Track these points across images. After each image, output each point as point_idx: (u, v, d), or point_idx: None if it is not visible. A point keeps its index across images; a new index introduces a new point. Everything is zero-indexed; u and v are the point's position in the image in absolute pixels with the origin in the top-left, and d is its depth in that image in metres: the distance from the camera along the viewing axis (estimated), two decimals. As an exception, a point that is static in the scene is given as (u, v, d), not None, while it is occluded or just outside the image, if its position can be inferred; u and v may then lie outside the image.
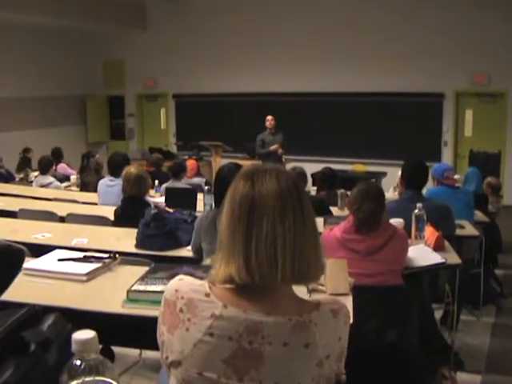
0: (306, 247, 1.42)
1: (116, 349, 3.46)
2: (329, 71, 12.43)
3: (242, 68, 13.34)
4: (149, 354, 4.18)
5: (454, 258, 3.87)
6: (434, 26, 11.44)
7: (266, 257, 1.37)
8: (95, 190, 6.56)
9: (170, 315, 1.46)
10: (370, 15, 11.97)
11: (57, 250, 3.44)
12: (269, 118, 10.55)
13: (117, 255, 3.30)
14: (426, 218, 4.09)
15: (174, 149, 14.00)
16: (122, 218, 4.94)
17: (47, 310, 1.66)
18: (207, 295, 1.43)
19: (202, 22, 13.69)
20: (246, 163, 10.80)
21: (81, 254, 3.30)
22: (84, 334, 1.27)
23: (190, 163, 8.25)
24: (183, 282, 1.50)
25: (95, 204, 6.39)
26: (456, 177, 6.62)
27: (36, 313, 1.56)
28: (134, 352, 4.26)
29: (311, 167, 8.40)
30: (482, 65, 11.18)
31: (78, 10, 12.15)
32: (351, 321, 2.39)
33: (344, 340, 1.51)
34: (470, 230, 4.96)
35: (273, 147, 10.29)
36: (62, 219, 5.50)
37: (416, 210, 4.06)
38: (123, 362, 4.20)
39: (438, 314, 4.63)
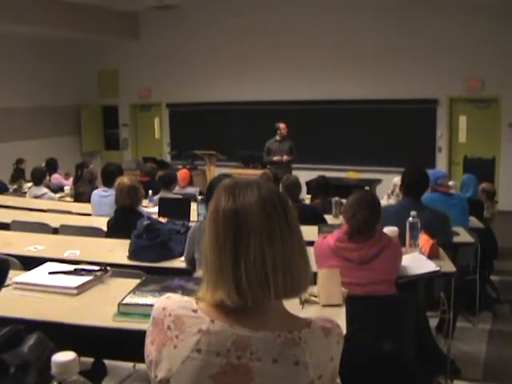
0: (296, 260, 1.39)
1: (110, 362, 3.43)
2: (322, 79, 12.43)
3: (236, 77, 13.35)
4: (142, 366, 4.13)
5: (448, 266, 3.85)
6: (426, 32, 11.46)
7: (256, 278, 1.33)
8: (89, 201, 6.53)
9: (158, 333, 1.43)
10: (363, 22, 11.99)
11: (48, 263, 3.41)
12: (281, 126, 10.51)
13: (108, 268, 3.27)
14: (420, 225, 4.08)
15: (168, 158, 13.99)
16: (115, 229, 4.92)
17: (32, 327, 1.63)
18: (194, 311, 1.41)
19: (196, 30, 13.70)
20: (241, 172, 10.89)
21: (71, 267, 3.27)
22: (63, 356, 1.24)
23: (183, 173, 8.19)
24: (170, 300, 1.47)
25: (89, 215, 6.36)
26: (450, 183, 6.61)
27: (18, 332, 1.53)
28: (127, 365, 4.22)
29: (306, 175, 8.39)
30: (475, 70, 11.19)
31: (71, 21, 12.17)
32: (344, 332, 2.39)
33: (336, 360, 1.46)
34: (465, 236, 4.95)
35: (276, 157, 10.29)
36: (55, 231, 5.48)
37: (410, 218, 4.05)
38: (117, 375, 4.17)
39: (433, 322, 4.62)
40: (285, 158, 10.27)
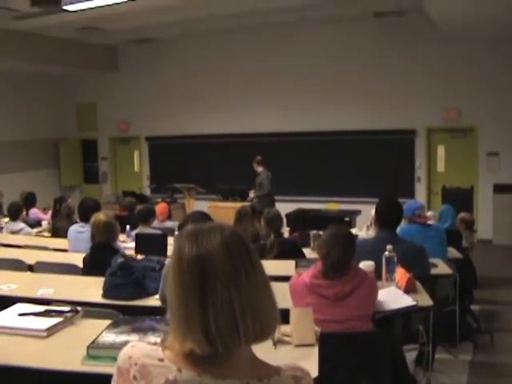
0: (263, 302, 1.37)
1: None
2: (300, 111, 12.52)
3: (214, 109, 13.39)
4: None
5: (425, 300, 3.82)
6: (402, 63, 11.62)
7: (225, 324, 1.30)
8: (66, 236, 6.46)
9: (124, 383, 1.39)
10: (342, 55, 12.14)
11: (18, 304, 3.35)
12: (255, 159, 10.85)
13: (78, 308, 3.22)
14: (397, 259, 4.06)
15: (147, 192, 13.94)
16: (91, 266, 4.86)
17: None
18: (161, 360, 1.37)
19: (174, 64, 13.80)
20: (221, 205, 10.89)
21: (42, 308, 3.21)
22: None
23: (161, 207, 8.13)
24: (136, 349, 1.43)
25: (66, 250, 6.29)
26: (429, 214, 6.62)
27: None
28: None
29: (285, 207, 8.36)
30: (452, 100, 11.34)
31: (49, 54, 12.23)
32: (317, 373, 2.36)
33: None
34: (443, 268, 4.94)
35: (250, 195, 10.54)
36: (30, 267, 5.40)
37: (386, 252, 4.03)
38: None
39: (412, 355, 4.58)
40: (251, 194, 10.46)
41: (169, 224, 7.71)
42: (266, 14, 11.00)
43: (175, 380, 1.33)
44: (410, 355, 4.38)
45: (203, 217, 4.13)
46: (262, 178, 10.65)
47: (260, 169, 10.83)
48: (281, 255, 5.36)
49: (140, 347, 1.43)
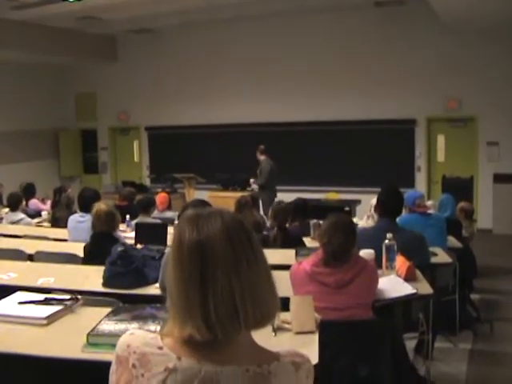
0: (263, 289, 1.37)
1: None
2: (301, 101, 12.50)
3: (214, 100, 13.37)
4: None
5: (425, 288, 3.83)
6: (403, 53, 11.60)
7: (225, 311, 1.30)
8: (66, 226, 6.46)
9: (123, 372, 1.38)
10: (341, 43, 12.12)
11: (18, 293, 3.35)
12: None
13: (79, 297, 3.22)
14: (397, 248, 4.06)
15: (147, 182, 13.95)
16: (92, 255, 4.87)
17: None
18: (160, 348, 1.36)
19: (173, 54, 13.77)
20: (221, 195, 10.90)
21: (42, 297, 3.21)
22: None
23: (161, 197, 8.14)
24: (135, 337, 1.43)
25: (65, 240, 6.28)
26: (429, 203, 6.63)
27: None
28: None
29: (285, 197, 8.34)
30: (453, 90, 11.32)
31: (49, 44, 12.18)
32: (317, 360, 2.36)
33: None
34: (443, 257, 4.95)
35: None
36: (30, 257, 5.39)
37: (386, 241, 4.03)
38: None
39: (412, 343, 4.59)
40: (252, 183, 10.54)
41: (169, 214, 7.70)
42: (265, 3, 10.97)
43: (175, 368, 1.33)
44: (410, 344, 4.38)
45: (203, 204, 4.12)
46: (262, 166, 10.66)
47: (262, 157, 10.82)
48: (287, 245, 5.37)
49: (139, 335, 1.43)
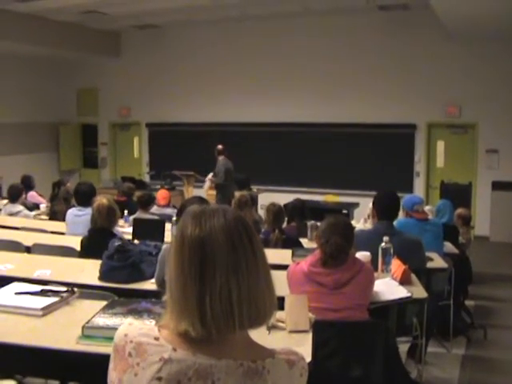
0: (261, 290, 1.38)
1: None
2: (301, 102, 12.51)
3: (215, 98, 13.38)
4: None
5: (420, 292, 3.84)
6: (405, 58, 11.61)
7: (221, 311, 1.32)
8: (64, 219, 6.46)
9: (120, 360, 1.40)
10: (343, 47, 12.13)
11: (14, 283, 3.36)
12: None
13: (75, 289, 3.23)
14: (393, 251, 4.07)
15: (146, 178, 13.94)
16: (89, 249, 4.88)
17: None
18: (156, 339, 1.38)
19: (176, 51, 13.77)
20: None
21: (38, 288, 3.22)
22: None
23: (163, 192, 8.20)
24: (132, 327, 1.45)
25: (63, 234, 6.29)
26: (427, 208, 6.62)
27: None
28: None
29: (283, 198, 8.36)
30: (453, 97, 11.35)
31: (52, 38, 12.18)
32: (309, 359, 2.37)
33: None
34: (438, 262, 4.95)
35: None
36: (27, 249, 5.40)
37: (383, 244, 4.04)
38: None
39: (405, 347, 4.61)
40: (207, 181, 10.98)
41: (168, 211, 7.72)
42: (270, 3, 10.99)
43: (170, 359, 1.34)
44: (403, 347, 4.39)
45: (202, 202, 4.13)
46: (218, 166, 10.74)
47: (220, 157, 10.91)
48: (286, 245, 5.39)
49: (136, 325, 1.45)
